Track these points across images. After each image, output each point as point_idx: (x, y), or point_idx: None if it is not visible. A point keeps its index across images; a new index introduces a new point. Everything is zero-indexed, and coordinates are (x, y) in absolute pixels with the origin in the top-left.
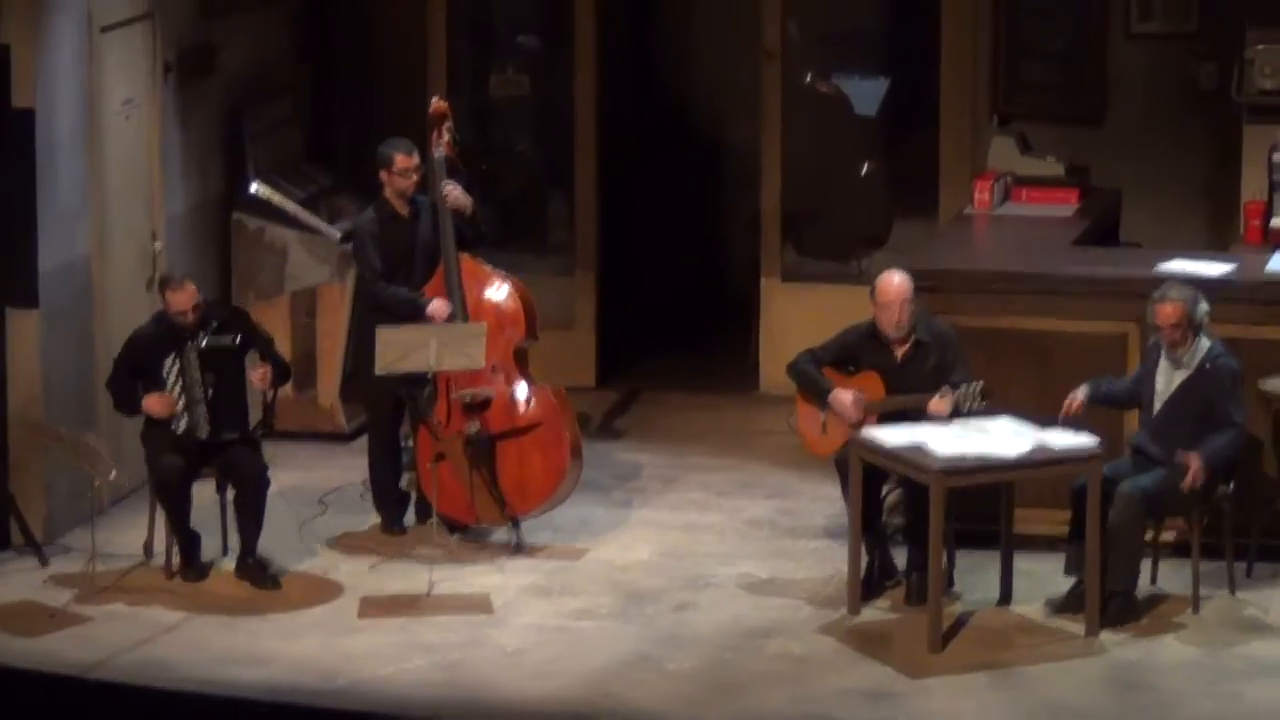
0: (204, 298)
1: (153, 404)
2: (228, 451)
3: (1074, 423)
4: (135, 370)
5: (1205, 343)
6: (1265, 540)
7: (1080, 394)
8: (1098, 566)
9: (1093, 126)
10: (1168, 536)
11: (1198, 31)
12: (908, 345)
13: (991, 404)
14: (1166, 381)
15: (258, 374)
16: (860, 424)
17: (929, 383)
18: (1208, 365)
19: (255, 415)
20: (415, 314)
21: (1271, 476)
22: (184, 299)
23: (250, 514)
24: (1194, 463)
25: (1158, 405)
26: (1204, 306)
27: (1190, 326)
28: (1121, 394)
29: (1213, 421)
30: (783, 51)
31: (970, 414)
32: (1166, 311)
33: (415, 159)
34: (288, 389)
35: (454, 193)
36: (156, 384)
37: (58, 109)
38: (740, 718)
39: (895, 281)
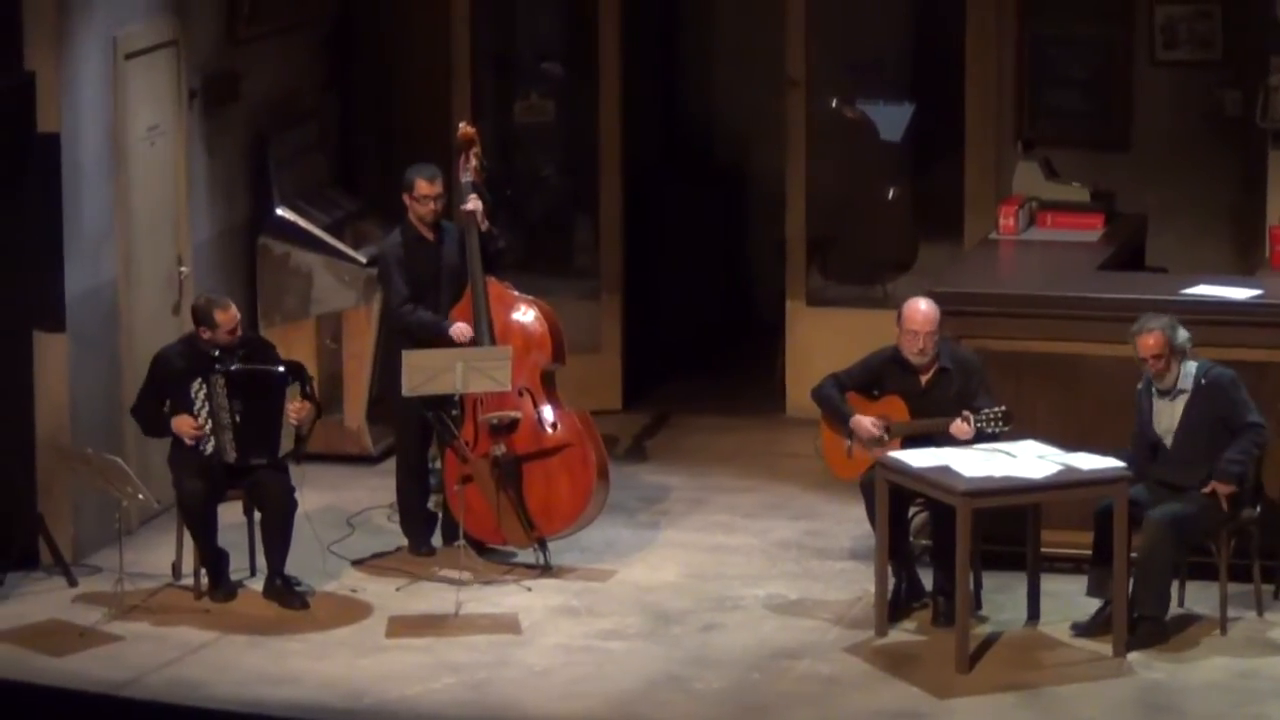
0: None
1: (181, 425)
2: (255, 473)
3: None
4: (161, 393)
5: (1191, 365)
6: None
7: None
8: (1125, 587)
9: (1118, 152)
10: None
11: (1222, 59)
12: (931, 372)
13: (1014, 429)
14: (1169, 415)
15: (294, 407)
16: (882, 447)
17: (952, 409)
18: (1203, 381)
19: (287, 445)
20: (438, 337)
21: None
22: (230, 318)
23: (277, 536)
24: (1222, 489)
25: (1169, 441)
26: (1183, 333)
27: (1172, 354)
28: (1144, 460)
29: (1231, 431)
30: (807, 77)
31: (993, 439)
32: (1148, 343)
33: (438, 186)
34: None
35: (472, 202)
36: (184, 406)
37: (83, 135)
38: None
39: (922, 308)
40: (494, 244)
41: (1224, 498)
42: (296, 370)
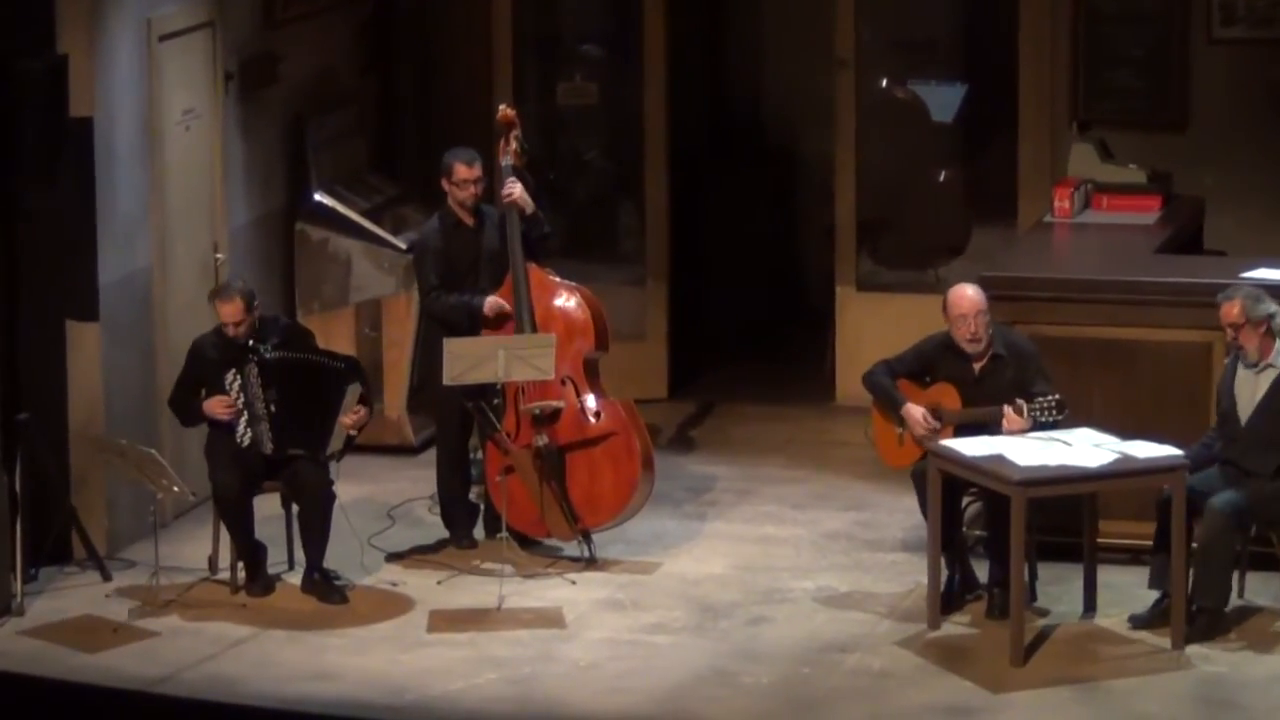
0: (259, 312)
1: (213, 405)
2: (292, 465)
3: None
4: (196, 382)
5: None
6: None
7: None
8: (1184, 579)
9: (1175, 133)
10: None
11: None
12: (985, 359)
13: (1070, 417)
14: (1250, 389)
15: (352, 417)
16: (931, 437)
17: (1007, 397)
18: None
19: (335, 446)
20: (471, 315)
21: None
22: (231, 311)
23: (315, 528)
24: None
25: (1245, 416)
26: (1273, 308)
27: (1251, 323)
28: (1206, 457)
29: None
30: (856, 58)
31: (1047, 428)
32: (1227, 311)
33: (477, 170)
34: None
35: (514, 190)
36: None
37: (117, 119)
38: None
39: (969, 294)
40: (539, 229)
41: None
42: (355, 367)
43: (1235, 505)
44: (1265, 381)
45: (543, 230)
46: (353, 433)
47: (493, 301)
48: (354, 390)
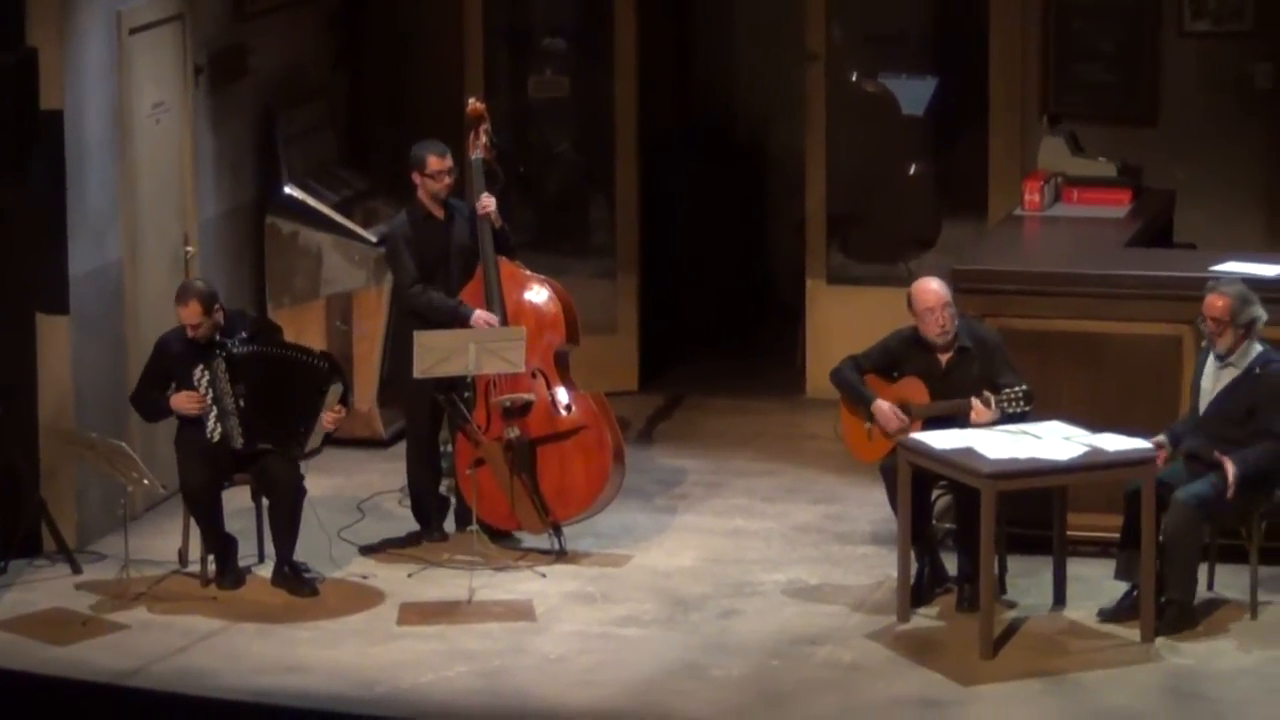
0: (220, 312)
1: (180, 400)
2: (262, 459)
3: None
4: (165, 378)
5: (1258, 347)
6: None
7: (1163, 441)
8: (1153, 571)
9: (1145, 126)
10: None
11: (1252, 30)
12: (952, 352)
13: (1039, 410)
14: (1213, 381)
15: (331, 416)
16: (903, 433)
17: (974, 389)
18: (1257, 370)
19: (314, 444)
20: (455, 324)
21: None
22: (188, 314)
23: (285, 522)
24: (1230, 469)
25: (1204, 405)
26: (1258, 313)
27: (1234, 325)
28: (1180, 433)
29: (1254, 428)
30: (827, 52)
31: (1015, 419)
32: (1213, 304)
33: (448, 161)
34: None
35: (490, 205)
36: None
37: (87, 112)
38: None
39: (933, 287)
40: (505, 244)
41: (1232, 485)
42: (335, 365)
43: (1199, 497)
44: (1226, 378)
45: (508, 244)
46: (330, 429)
47: (482, 317)
48: (335, 390)
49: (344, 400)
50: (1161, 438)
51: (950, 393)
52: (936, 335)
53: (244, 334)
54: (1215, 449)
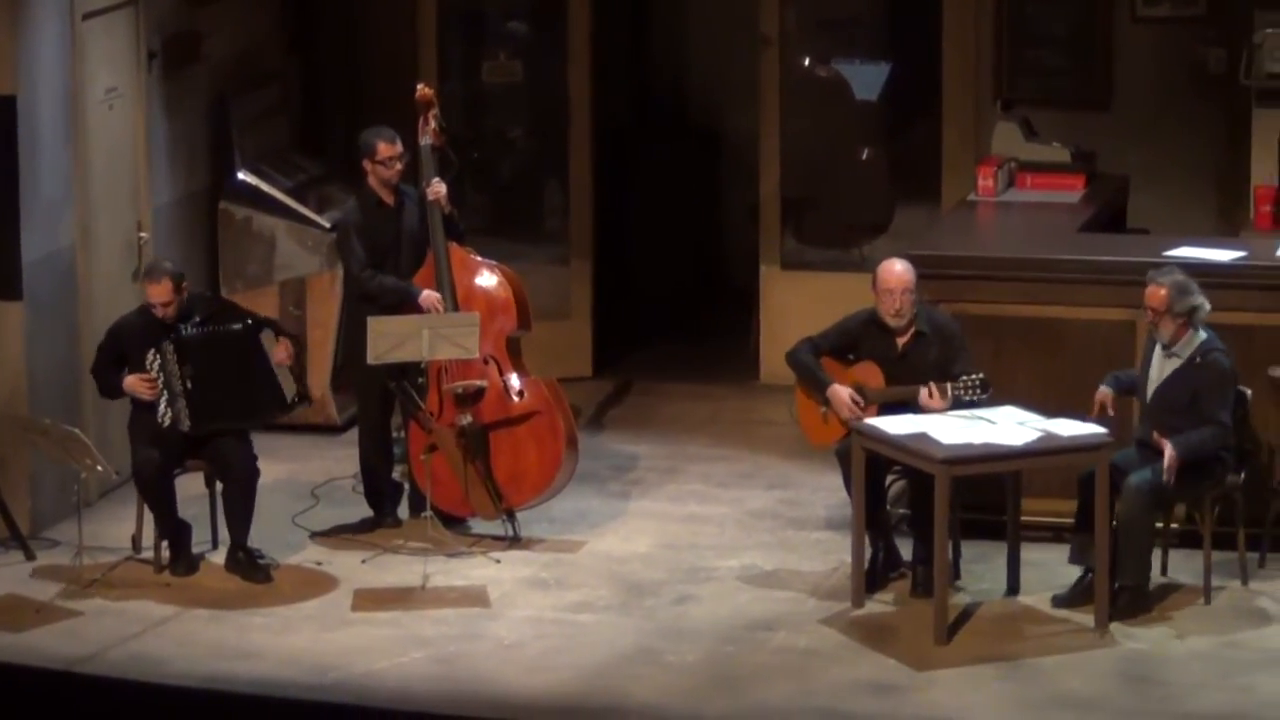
0: (187, 291)
1: (132, 383)
2: (216, 443)
3: (1103, 419)
4: (118, 360)
5: (1201, 335)
6: (1277, 530)
7: (1108, 391)
8: (1107, 556)
9: (1099, 111)
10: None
11: (1205, 15)
12: (908, 336)
13: (994, 394)
14: (1159, 370)
15: (281, 350)
16: (857, 419)
17: (930, 375)
18: (1198, 359)
19: (290, 389)
20: (406, 304)
21: None
22: (159, 292)
23: (240, 507)
24: (1168, 450)
25: (1149, 392)
26: (1198, 302)
27: (1171, 315)
28: (1134, 383)
29: (1196, 415)
30: (781, 36)
31: (970, 406)
32: (1152, 293)
33: (398, 148)
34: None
35: (440, 191)
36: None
37: (40, 97)
38: (743, 711)
39: (897, 269)
40: (455, 230)
41: (1170, 468)
42: (256, 321)
43: (1151, 482)
44: (1169, 367)
45: (457, 230)
46: (288, 363)
47: (431, 298)
48: (267, 335)
49: (281, 333)
50: (1104, 387)
51: (906, 377)
52: (889, 317)
53: (198, 318)
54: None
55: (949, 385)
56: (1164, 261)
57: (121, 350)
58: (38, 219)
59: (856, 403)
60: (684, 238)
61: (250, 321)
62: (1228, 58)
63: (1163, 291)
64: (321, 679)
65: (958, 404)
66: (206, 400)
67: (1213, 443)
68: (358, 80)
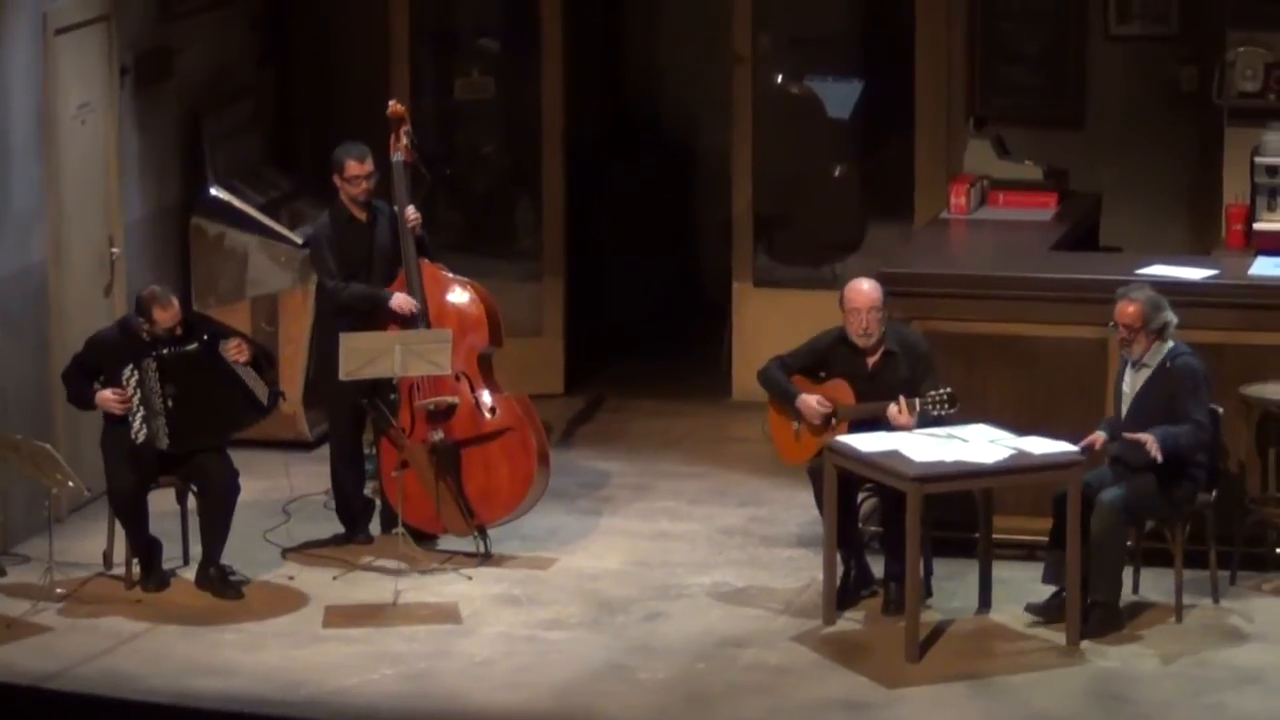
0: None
1: (105, 397)
2: (195, 457)
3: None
4: (93, 372)
5: (1168, 344)
6: (1248, 549)
7: (1102, 435)
8: (1079, 575)
9: (1071, 129)
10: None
11: (1178, 33)
12: (878, 355)
13: (965, 412)
14: (1131, 384)
15: (231, 348)
16: (829, 431)
17: (899, 393)
18: (1168, 364)
19: (260, 391)
20: (378, 309)
21: (1254, 484)
22: (170, 316)
23: (217, 521)
24: (1146, 437)
25: (1124, 409)
26: (1169, 317)
27: (1145, 331)
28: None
29: (1174, 421)
30: (753, 54)
31: (939, 422)
32: (1125, 310)
33: (367, 166)
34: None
35: (417, 220)
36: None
37: (12, 112)
38: None
39: (864, 289)
40: (424, 249)
41: (1152, 446)
42: (213, 336)
43: (1122, 500)
44: (1141, 379)
45: (426, 250)
46: (243, 359)
47: (403, 300)
48: (222, 343)
49: (231, 334)
50: (1099, 433)
51: (876, 395)
52: (857, 336)
53: (178, 332)
54: (1138, 455)
55: (917, 400)
56: (1136, 279)
57: (98, 364)
58: (9, 234)
59: (824, 408)
60: (656, 254)
61: (206, 337)
62: (1200, 76)
63: (1132, 308)
64: (292, 695)
65: (926, 419)
66: (186, 419)
67: (1189, 439)
68: (330, 96)
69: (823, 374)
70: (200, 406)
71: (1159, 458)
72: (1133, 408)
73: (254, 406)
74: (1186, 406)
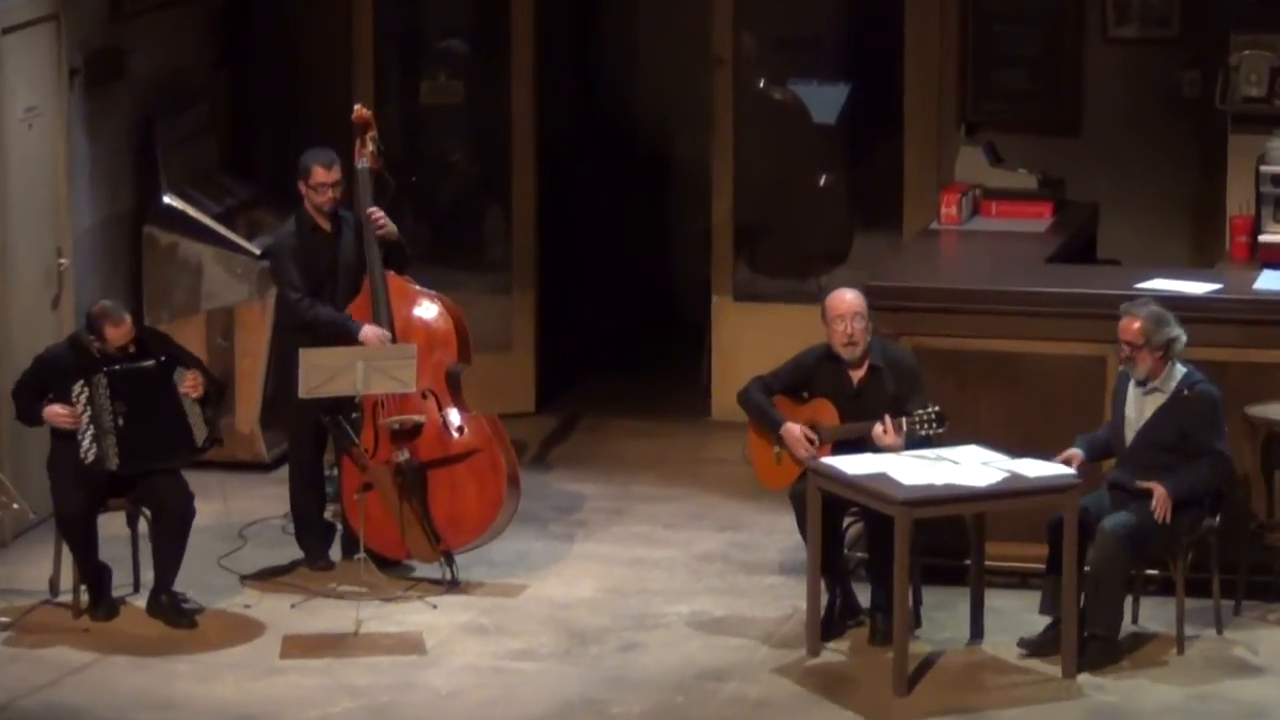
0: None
1: (53, 412)
2: (148, 479)
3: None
4: (42, 391)
5: (1180, 369)
6: (1253, 577)
7: (1079, 453)
8: (1075, 603)
9: (1068, 136)
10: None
11: (1179, 36)
12: (863, 371)
13: (956, 433)
14: (1138, 410)
15: (188, 381)
16: (815, 456)
17: (886, 411)
18: (1185, 391)
19: (200, 432)
20: (344, 340)
21: (1259, 509)
22: (122, 334)
23: (171, 546)
24: (1158, 491)
25: (1130, 435)
26: (1175, 334)
27: (1149, 348)
28: (1106, 441)
29: (1188, 451)
30: (734, 56)
31: (927, 442)
32: (1127, 327)
33: (335, 174)
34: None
35: (388, 226)
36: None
37: None
38: None
39: (847, 297)
40: (400, 255)
41: (1161, 505)
42: (167, 353)
43: (1127, 527)
44: (1152, 405)
45: (404, 255)
46: (201, 402)
47: (373, 334)
48: (180, 372)
49: (202, 374)
50: (1075, 450)
51: (862, 413)
52: (842, 345)
53: (131, 348)
54: (1143, 477)
55: (904, 419)
56: (1136, 294)
57: (47, 382)
58: None
59: (811, 440)
60: (632, 267)
61: (164, 359)
62: (1202, 80)
63: (1137, 324)
64: None
65: (913, 439)
66: (136, 439)
67: (1213, 475)
68: (290, 99)
69: (805, 394)
70: (150, 427)
71: (1166, 518)
72: (1141, 435)
73: (188, 444)
74: (1208, 439)
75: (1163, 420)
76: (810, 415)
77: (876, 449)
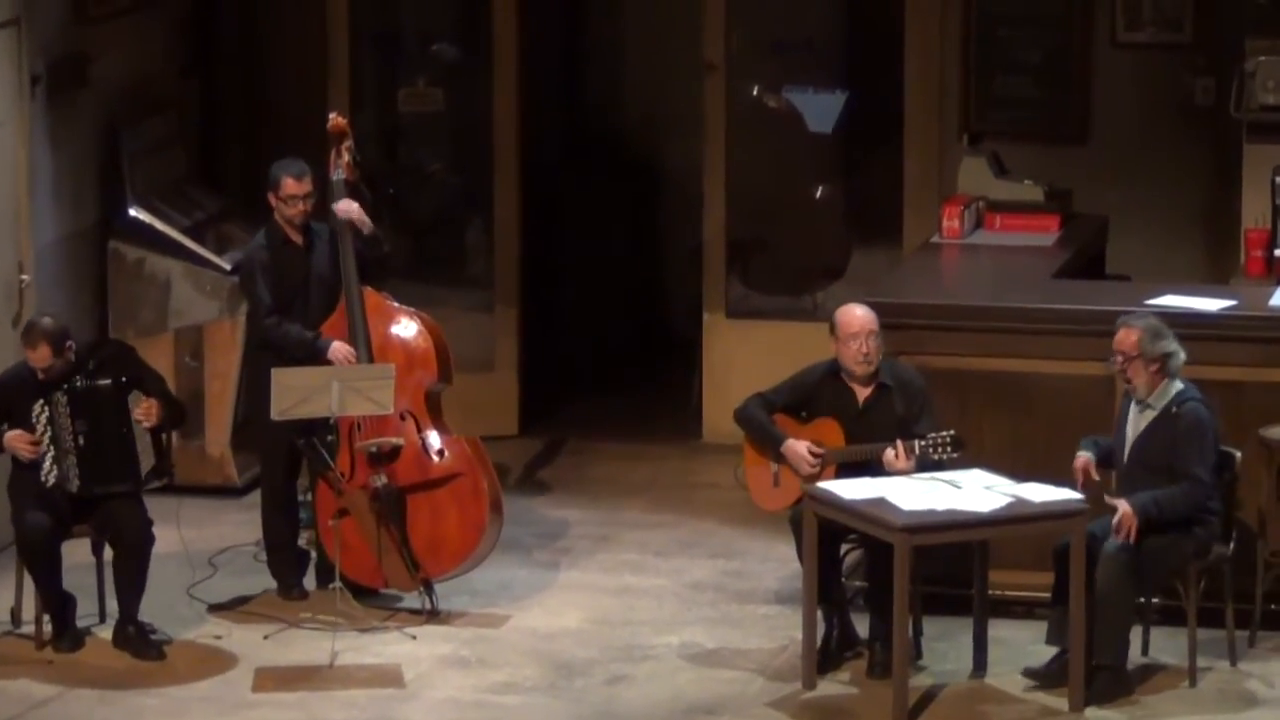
0: (72, 350)
1: (13, 439)
2: (106, 505)
3: (1089, 488)
4: (4, 413)
5: (1177, 385)
6: (1269, 606)
7: (1088, 457)
8: (1082, 633)
9: (1075, 146)
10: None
11: (1192, 41)
12: (871, 389)
13: (963, 456)
14: (1134, 427)
15: (141, 409)
16: (816, 477)
17: (893, 432)
18: (1174, 409)
19: (148, 462)
20: (312, 358)
21: (1274, 537)
22: (37, 358)
23: (131, 575)
24: (1122, 507)
25: (1126, 453)
26: (1172, 349)
27: (1144, 360)
28: (1109, 450)
29: (1175, 473)
30: (727, 62)
31: (940, 468)
32: (1123, 337)
33: (307, 185)
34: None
35: (351, 208)
36: (27, 430)
37: None
38: None
39: (858, 313)
40: (377, 248)
41: (1125, 521)
42: (131, 369)
43: (1128, 550)
44: (1144, 421)
45: (381, 250)
46: (155, 431)
47: (341, 350)
48: (135, 395)
49: (161, 399)
50: (1085, 453)
51: (868, 433)
52: (856, 364)
53: (93, 364)
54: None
55: (916, 443)
56: (1142, 309)
57: (6, 404)
58: None
59: (815, 456)
60: (620, 283)
61: (123, 380)
62: (1216, 88)
63: (1134, 336)
64: None
65: (926, 463)
66: (97, 460)
67: (1184, 501)
68: (262, 108)
69: (805, 413)
70: (109, 448)
71: (1131, 537)
72: (1133, 453)
73: (134, 475)
74: (1186, 460)
75: (1151, 438)
76: (814, 435)
77: (883, 473)
